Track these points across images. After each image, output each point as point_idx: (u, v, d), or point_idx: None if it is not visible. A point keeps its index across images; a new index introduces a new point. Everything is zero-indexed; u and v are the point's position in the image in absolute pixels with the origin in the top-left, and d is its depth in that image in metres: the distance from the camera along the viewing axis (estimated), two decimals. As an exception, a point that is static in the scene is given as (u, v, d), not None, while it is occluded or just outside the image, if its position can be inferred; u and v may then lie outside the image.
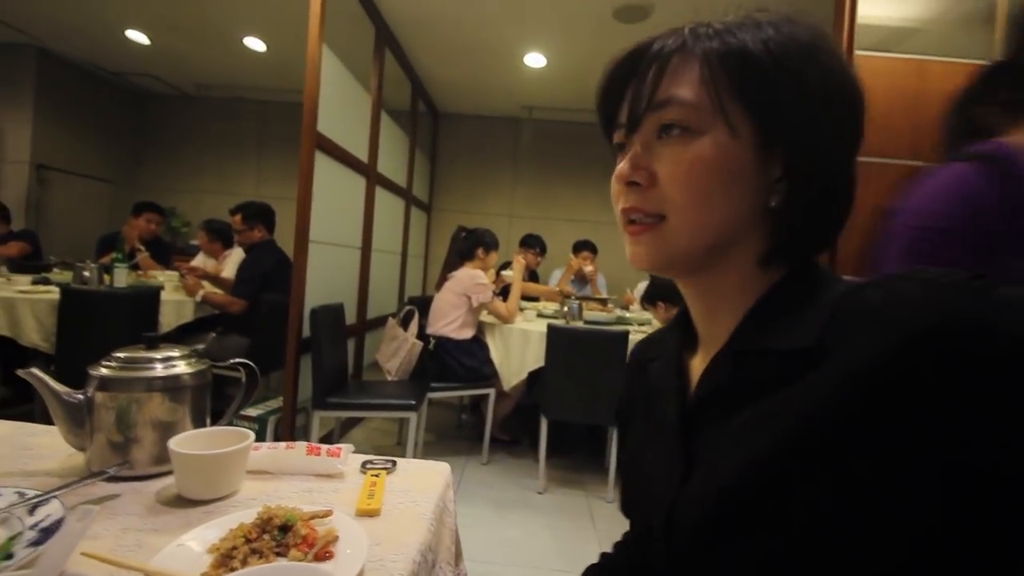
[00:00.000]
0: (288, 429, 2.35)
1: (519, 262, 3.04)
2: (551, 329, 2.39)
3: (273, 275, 2.95)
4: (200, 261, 3.63)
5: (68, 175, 5.42)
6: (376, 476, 0.64)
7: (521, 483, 2.44)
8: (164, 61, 4.88)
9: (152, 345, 0.65)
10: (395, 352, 2.72)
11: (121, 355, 0.63)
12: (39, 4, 3.80)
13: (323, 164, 2.43)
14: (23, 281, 2.87)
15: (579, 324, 2.76)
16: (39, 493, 0.51)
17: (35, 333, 2.50)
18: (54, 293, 2.52)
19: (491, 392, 2.68)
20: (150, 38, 4.32)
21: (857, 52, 2.04)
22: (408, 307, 2.92)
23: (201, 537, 0.46)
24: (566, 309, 2.92)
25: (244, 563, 0.42)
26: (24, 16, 4.08)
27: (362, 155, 2.99)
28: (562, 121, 5.26)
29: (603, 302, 3.37)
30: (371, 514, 0.56)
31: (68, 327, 2.41)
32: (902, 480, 0.30)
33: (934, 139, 2.34)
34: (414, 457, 1.25)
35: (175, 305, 2.87)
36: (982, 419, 0.28)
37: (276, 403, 2.50)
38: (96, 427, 0.60)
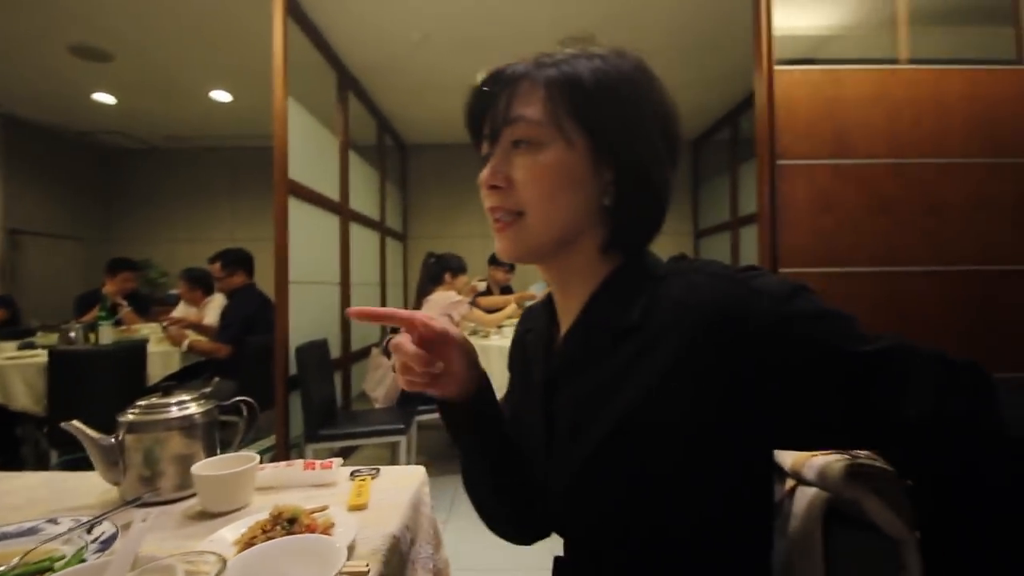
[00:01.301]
0: (283, 464, 2.44)
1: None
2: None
3: (256, 317, 3.05)
4: (181, 310, 3.70)
5: (41, 237, 5.43)
6: (363, 480, 0.78)
7: (511, 493, 2.55)
8: (131, 118, 4.98)
9: (167, 392, 0.79)
10: (380, 380, 2.84)
11: (143, 403, 0.77)
12: (3, 74, 3.90)
13: (297, 208, 2.57)
14: (8, 348, 2.93)
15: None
16: (92, 517, 0.64)
17: (25, 397, 2.56)
18: (41, 356, 2.58)
19: (476, 410, 2.80)
20: (117, 98, 4.43)
21: (777, 68, 2.23)
22: (390, 336, 3.04)
23: (230, 532, 0.60)
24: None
25: (263, 547, 0.56)
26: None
27: (334, 195, 3.14)
28: (524, 143, 5.47)
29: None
30: (360, 508, 0.70)
31: (58, 388, 2.47)
32: (717, 418, 0.43)
33: (853, 139, 2.53)
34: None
35: (161, 356, 2.95)
36: (748, 369, 0.42)
37: (268, 441, 2.59)
38: (128, 464, 0.73)
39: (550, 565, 0.58)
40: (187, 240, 6.11)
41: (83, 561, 0.55)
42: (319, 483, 0.79)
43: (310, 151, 2.79)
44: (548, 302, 0.61)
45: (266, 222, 2.53)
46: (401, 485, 0.78)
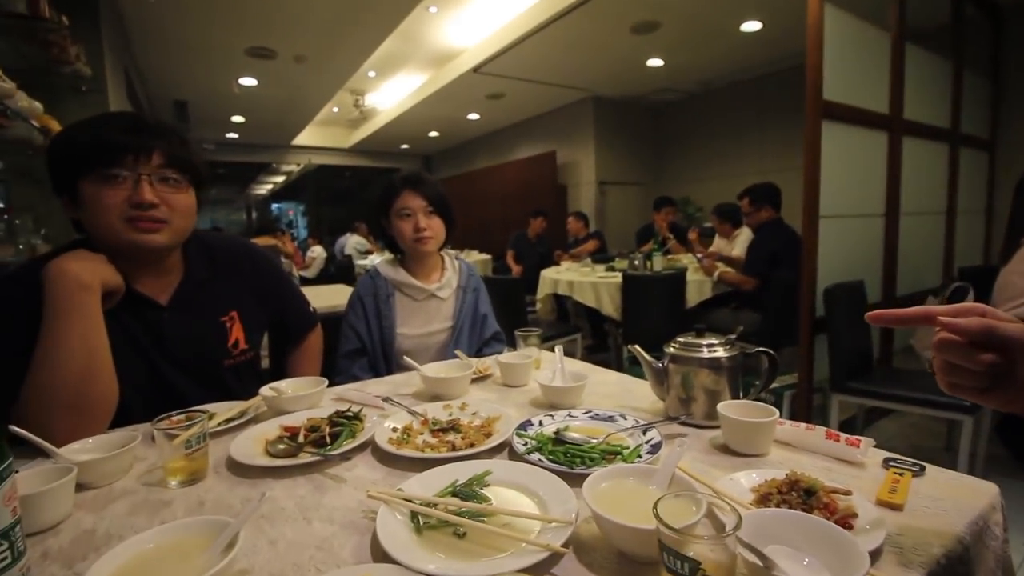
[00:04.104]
0: (804, 409, 2.39)
1: None
2: None
3: (782, 253, 3.02)
4: (715, 242, 4.10)
5: (616, 185, 7.19)
6: (900, 474, 0.66)
7: None
8: (673, 73, 5.71)
9: (700, 333, 0.90)
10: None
11: (681, 340, 0.91)
12: (590, 66, 5.26)
13: (831, 132, 2.29)
14: (600, 269, 4.09)
15: None
16: (648, 422, 0.84)
17: (609, 305, 3.51)
18: (618, 277, 3.47)
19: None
20: (664, 60, 5.16)
21: None
22: (958, 284, 2.36)
23: (747, 478, 0.65)
24: None
25: (777, 507, 0.57)
26: (583, 78, 5.73)
27: (881, 107, 2.61)
28: None
29: None
30: (892, 507, 0.59)
31: (628, 301, 3.28)
32: None
33: None
34: (967, 471, 1.07)
35: (697, 284, 3.39)
36: None
37: (791, 379, 2.58)
38: (670, 385, 0.90)
39: None
40: (718, 176, 6.62)
41: (640, 457, 0.73)
42: (841, 458, 0.72)
43: (850, 60, 2.39)
44: None
45: (795, 150, 2.40)
46: (955, 498, 0.61)
